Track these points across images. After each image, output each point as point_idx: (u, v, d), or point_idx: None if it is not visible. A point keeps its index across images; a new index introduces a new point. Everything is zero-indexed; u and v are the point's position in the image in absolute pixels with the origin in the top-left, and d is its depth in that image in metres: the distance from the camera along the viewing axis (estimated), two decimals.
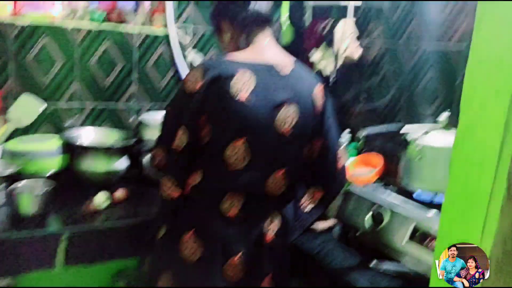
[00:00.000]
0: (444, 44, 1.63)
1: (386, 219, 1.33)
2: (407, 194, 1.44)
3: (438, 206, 1.11)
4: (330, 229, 1.54)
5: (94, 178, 1.73)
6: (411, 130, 1.41)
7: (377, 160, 1.83)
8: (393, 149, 1.50)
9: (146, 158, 1.86)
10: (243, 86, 1.15)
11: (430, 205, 1.35)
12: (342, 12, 1.99)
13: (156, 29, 2.01)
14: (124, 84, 1.98)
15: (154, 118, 1.90)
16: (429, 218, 1.25)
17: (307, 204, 1.33)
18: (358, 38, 1.94)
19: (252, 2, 1.26)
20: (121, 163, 1.79)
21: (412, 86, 1.76)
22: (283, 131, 1.20)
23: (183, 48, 2.06)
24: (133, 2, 2.06)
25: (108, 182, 1.74)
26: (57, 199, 1.54)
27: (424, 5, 1.71)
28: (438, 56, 1.66)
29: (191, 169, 1.22)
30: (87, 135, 1.89)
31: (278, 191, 1.25)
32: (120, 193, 1.64)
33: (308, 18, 2.22)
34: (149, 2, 2.03)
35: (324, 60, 2.00)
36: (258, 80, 1.17)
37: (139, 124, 1.95)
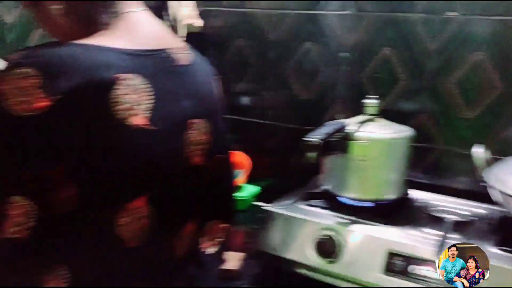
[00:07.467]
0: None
1: (341, 246, 0.94)
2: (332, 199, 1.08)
3: None
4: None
5: None
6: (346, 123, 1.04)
7: (242, 159, 1.57)
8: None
9: None
10: (136, 100, 0.64)
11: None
12: None
13: None
14: None
15: None
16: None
17: (211, 245, 0.93)
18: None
19: None
20: None
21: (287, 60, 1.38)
22: (195, 162, 0.76)
23: None
24: None
25: None
26: None
27: None
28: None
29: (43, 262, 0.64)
30: None
31: (184, 252, 0.80)
32: None
33: None
34: None
35: None
36: (156, 84, 0.68)
37: None
